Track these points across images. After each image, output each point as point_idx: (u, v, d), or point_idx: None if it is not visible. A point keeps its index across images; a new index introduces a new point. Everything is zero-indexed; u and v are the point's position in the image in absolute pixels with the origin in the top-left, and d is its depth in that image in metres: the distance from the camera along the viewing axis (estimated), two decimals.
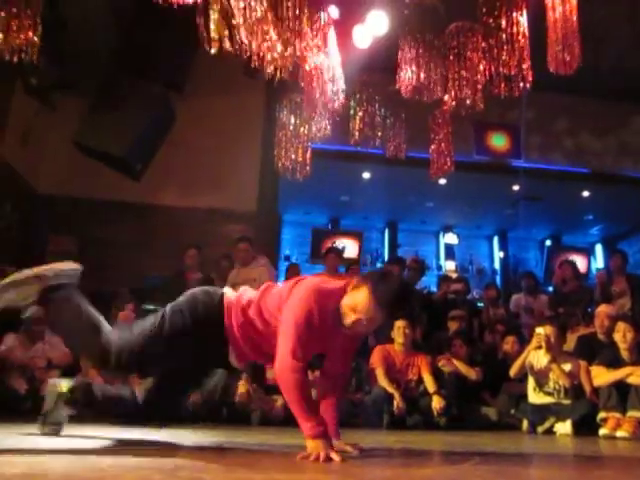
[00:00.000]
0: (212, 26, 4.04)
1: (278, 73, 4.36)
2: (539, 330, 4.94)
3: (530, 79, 4.60)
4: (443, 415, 4.85)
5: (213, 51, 4.07)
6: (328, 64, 4.78)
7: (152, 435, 2.94)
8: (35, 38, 4.19)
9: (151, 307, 6.24)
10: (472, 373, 5.33)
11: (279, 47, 4.25)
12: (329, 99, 4.89)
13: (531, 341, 4.99)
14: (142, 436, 2.83)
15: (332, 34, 4.80)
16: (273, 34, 4.20)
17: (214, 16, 4.03)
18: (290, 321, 2.18)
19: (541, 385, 4.85)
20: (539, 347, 4.86)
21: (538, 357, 4.88)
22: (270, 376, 5.06)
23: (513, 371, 5.00)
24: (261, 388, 4.96)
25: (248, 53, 4.15)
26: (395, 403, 4.83)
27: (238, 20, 4.05)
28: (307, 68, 4.63)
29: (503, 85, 4.74)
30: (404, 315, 5.25)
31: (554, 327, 4.97)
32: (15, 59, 4.20)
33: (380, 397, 4.89)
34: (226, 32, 4.07)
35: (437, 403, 4.85)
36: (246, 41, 4.10)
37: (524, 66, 4.59)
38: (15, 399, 4.61)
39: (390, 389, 4.93)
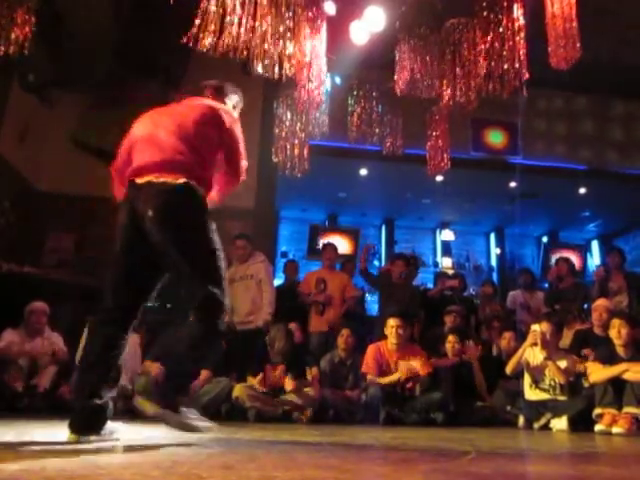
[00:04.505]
0: (209, 22, 4.05)
1: (276, 69, 4.37)
2: (534, 327, 4.96)
3: (527, 75, 4.61)
4: (439, 411, 4.88)
5: (206, 45, 4.07)
6: (320, 58, 4.78)
7: (150, 432, 2.95)
8: (26, 30, 4.18)
9: (149, 304, 6.23)
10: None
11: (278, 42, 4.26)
12: (321, 93, 4.89)
13: (527, 338, 5.01)
14: (140, 433, 2.83)
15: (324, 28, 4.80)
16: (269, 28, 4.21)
17: (211, 11, 4.03)
18: None
19: (537, 381, 4.87)
20: (535, 344, 4.88)
21: (534, 354, 4.90)
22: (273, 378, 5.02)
23: (509, 368, 5.01)
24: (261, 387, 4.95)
25: (244, 51, 4.15)
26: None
27: (233, 16, 4.06)
28: (302, 62, 4.63)
29: (500, 82, 4.75)
30: (398, 313, 5.25)
31: (550, 324, 4.99)
32: (10, 52, 4.20)
33: (377, 393, 4.90)
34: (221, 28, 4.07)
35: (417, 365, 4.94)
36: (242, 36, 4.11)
37: (521, 62, 4.59)
38: (12, 396, 4.62)
39: (386, 380, 4.95)
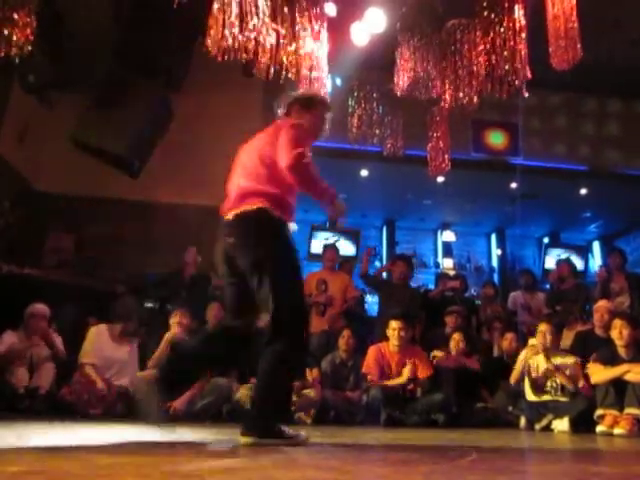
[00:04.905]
0: (213, 26, 4.05)
1: (274, 70, 4.37)
2: (532, 342, 4.97)
3: (528, 76, 4.60)
4: (440, 412, 4.86)
5: (211, 50, 4.08)
6: (320, 59, 4.78)
7: (150, 434, 2.95)
8: (27, 32, 4.18)
9: (150, 304, 6.23)
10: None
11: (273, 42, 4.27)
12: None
13: (527, 343, 5.01)
14: (141, 434, 2.83)
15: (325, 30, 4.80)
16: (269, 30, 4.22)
17: (215, 15, 4.04)
18: None
19: (538, 388, 4.84)
20: (536, 354, 4.87)
21: (537, 362, 4.87)
22: None
23: (513, 378, 5.00)
24: None
25: (245, 53, 4.16)
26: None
27: (235, 18, 4.06)
28: (302, 64, 4.64)
29: (500, 83, 4.75)
30: (400, 315, 5.23)
31: (550, 325, 4.98)
32: (11, 54, 4.20)
33: (378, 395, 4.89)
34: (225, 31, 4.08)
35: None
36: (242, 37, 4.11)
37: (522, 63, 4.59)
38: (14, 397, 4.61)
39: (389, 382, 4.95)
